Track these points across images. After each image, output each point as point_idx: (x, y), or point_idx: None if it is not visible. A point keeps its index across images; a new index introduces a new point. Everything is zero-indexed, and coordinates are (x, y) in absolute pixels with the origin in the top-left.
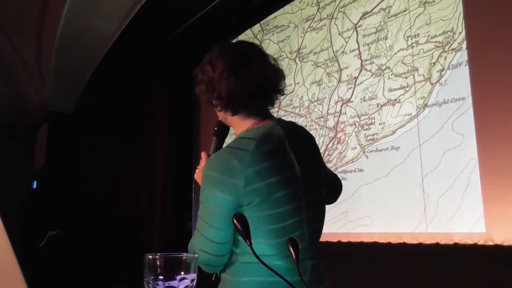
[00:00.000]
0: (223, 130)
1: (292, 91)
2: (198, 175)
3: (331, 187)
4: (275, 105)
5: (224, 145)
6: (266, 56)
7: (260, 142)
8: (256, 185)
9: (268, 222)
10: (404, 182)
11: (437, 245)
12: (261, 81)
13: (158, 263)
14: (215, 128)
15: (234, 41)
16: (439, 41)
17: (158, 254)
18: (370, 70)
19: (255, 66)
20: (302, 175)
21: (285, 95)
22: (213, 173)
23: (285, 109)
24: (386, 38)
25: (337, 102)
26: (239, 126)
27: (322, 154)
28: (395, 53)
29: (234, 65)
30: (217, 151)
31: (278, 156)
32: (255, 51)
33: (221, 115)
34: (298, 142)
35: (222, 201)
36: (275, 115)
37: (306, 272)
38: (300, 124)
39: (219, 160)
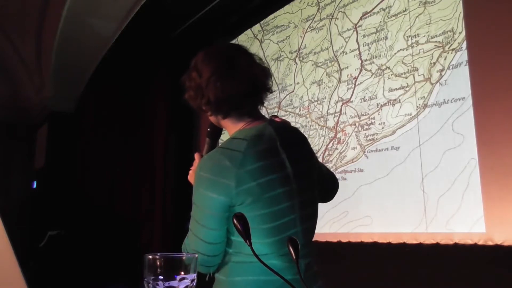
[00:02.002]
0: (216, 131)
1: (292, 91)
2: (191, 176)
3: (326, 184)
4: (264, 104)
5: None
6: (251, 56)
7: (252, 143)
8: (248, 185)
9: (262, 222)
10: (404, 182)
11: (437, 245)
12: (249, 81)
13: (158, 263)
14: (208, 129)
15: (234, 41)
16: (439, 41)
17: (158, 254)
18: (370, 70)
19: (241, 67)
20: (294, 175)
21: (285, 95)
22: (205, 174)
23: (285, 109)
24: (386, 38)
25: (337, 102)
26: (231, 128)
27: (322, 154)
28: (395, 53)
29: (220, 69)
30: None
31: (269, 156)
32: (240, 53)
33: (213, 119)
34: (290, 142)
35: (214, 201)
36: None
37: (300, 271)
38: (299, 124)
39: (210, 161)
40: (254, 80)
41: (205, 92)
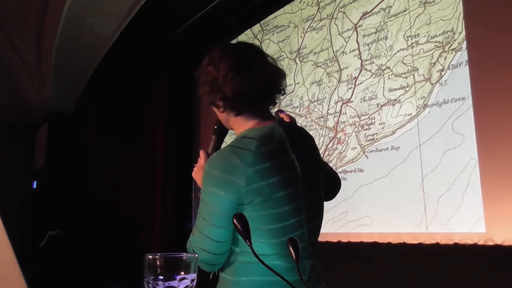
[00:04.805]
0: (223, 129)
1: (292, 91)
2: (196, 173)
3: (329, 183)
4: (276, 105)
5: (223, 144)
6: (266, 56)
7: (262, 142)
8: (257, 184)
9: (268, 222)
10: (404, 182)
11: (437, 245)
12: (265, 81)
13: (158, 263)
14: (215, 127)
15: (234, 41)
16: (439, 41)
17: (158, 254)
18: (370, 70)
19: (258, 66)
20: (302, 175)
21: (285, 95)
22: (215, 172)
23: (285, 109)
24: (386, 38)
25: (337, 102)
26: (241, 126)
27: (322, 154)
28: (395, 53)
29: (239, 65)
30: (216, 149)
31: (279, 156)
32: (257, 51)
33: (223, 117)
34: (298, 142)
35: (223, 199)
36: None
37: (305, 271)
38: (299, 124)
39: (221, 159)
40: (270, 79)
41: (222, 88)
